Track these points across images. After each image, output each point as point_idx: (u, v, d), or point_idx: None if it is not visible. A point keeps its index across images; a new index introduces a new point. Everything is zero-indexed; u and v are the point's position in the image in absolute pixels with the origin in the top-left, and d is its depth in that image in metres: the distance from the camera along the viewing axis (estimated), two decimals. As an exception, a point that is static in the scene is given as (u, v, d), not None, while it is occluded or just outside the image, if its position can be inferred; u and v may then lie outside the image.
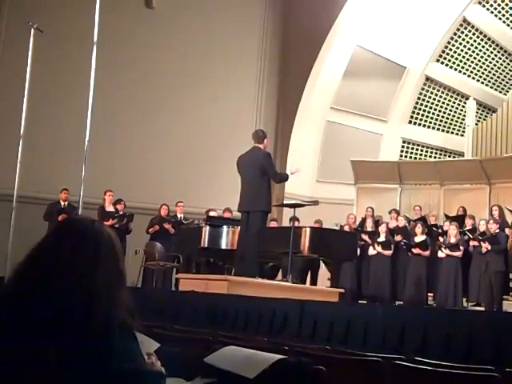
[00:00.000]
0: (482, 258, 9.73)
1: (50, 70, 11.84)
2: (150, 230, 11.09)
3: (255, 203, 7.48)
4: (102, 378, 1.55)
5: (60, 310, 1.55)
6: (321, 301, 6.57)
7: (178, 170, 12.91)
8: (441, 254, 10.06)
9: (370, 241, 11.00)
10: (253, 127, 13.20)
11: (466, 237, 10.12)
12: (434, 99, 14.93)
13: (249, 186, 7.56)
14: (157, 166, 12.79)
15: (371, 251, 10.89)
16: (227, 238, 9.02)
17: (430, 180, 13.29)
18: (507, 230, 10.07)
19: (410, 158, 14.86)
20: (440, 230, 10.70)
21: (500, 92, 14.82)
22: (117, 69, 12.41)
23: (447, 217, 11.42)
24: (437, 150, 14.93)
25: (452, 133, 14.97)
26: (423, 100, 14.94)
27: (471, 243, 9.98)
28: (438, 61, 14.76)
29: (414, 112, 14.95)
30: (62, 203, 10.85)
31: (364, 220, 11.66)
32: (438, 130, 14.98)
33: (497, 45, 14.58)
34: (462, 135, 14.47)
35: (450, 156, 14.76)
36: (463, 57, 14.70)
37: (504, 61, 14.69)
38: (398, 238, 10.83)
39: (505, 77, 14.79)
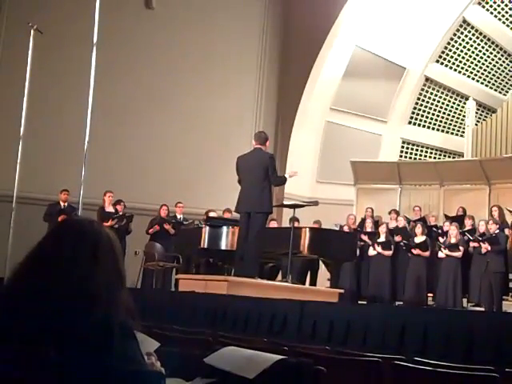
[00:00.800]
0: (482, 259, 9.73)
1: (50, 70, 11.85)
2: (150, 230, 11.09)
3: (258, 204, 7.48)
4: (102, 378, 1.55)
5: (60, 311, 1.55)
6: (320, 301, 6.57)
7: (178, 171, 12.91)
8: (441, 255, 10.06)
9: (369, 241, 11.00)
10: (253, 127, 13.23)
11: (466, 237, 10.11)
12: (434, 100, 14.93)
13: (251, 187, 7.54)
14: (157, 166, 12.79)
15: (371, 252, 10.89)
16: (227, 239, 9.01)
17: (429, 180, 13.29)
18: (507, 231, 10.06)
19: (410, 158, 14.86)
20: (440, 231, 10.70)
21: (500, 92, 14.83)
22: (116, 69, 12.42)
23: (447, 217, 11.41)
24: (436, 150, 14.94)
25: (452, 133, 14.97)
26: (423, 100, 14.94)
27: (471, 244, 9.97)
28: (437, 61, 14.76)
29: (413, 112, 14.95)
30: (62, 204, 10.84)
31: (364, 220, 11.66)
32: (438, 130, 14.98)
33: (496, 45, 14.58)
34: (461, 136, 14.47)
35: (449, 156, 14.76)
36: (463, 57, 14.70)
37: (504, 61, 14.70)
38: (397, 238, 10.82)
39: (504, 77, 14.80)
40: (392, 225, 11.32)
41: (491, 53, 14.65)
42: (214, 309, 5.87)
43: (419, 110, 14.95)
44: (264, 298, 5.97)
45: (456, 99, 14.92)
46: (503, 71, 14.76)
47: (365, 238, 11.09)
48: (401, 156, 14.87)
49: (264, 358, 2.26)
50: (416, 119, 14.98)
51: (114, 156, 12.39)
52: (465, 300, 10.05)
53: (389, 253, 10.75)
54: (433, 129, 14.98)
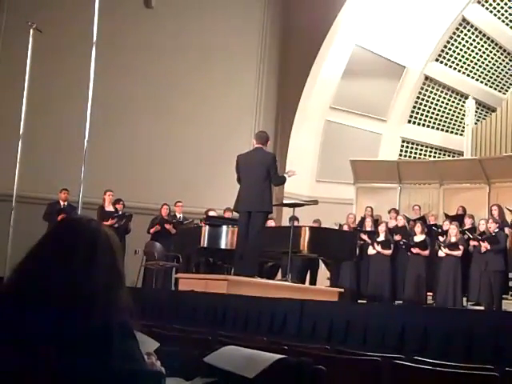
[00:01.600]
0: (482, 258, 9.73)
1: (50, 69, 11.84)
2: (151, 230, 11.09)
3: (259, 204, 7.47)
4: (101, 378, 1.55)
5: (59, 310, 1.55)
6: (320, 300, 6.57)
7: (178, 170, 12.91)
8: (440, 254, 10.06)
9: (369, 240, 11.01)
10: (252, 127, 13.23)
11: (465, 236, 10.11)
12: (434, 98, 14.93)
13: (252, 186, 7.53)
14: (157, 165, 12.79)
15: (371, 251, 10.89)
16: (227, 238, 9.02)
17: (429, 179, 13.28)
18: (507, 230, 10.07)
19: (410, 157, 14.85)
20: (439, 230, 10.70)
21: (499, 91, 14.82)
22: (116, 68, 12.41)
23: (447, 216, 11.41)
24: (436, 149, 14.93)
25: (451, 132, 14.97)
26: (422, 99, 14.94)
27: (471, 243, 9.97)
28: (437, 60, 14.75)
29: (413, 111, 14.95)
30: (62, 203, 10.84)
31: (363, 219, 11.67)
32: (438, 129, 14.98)
33: (496, 44, 14.58)
34: (461, 134, 14.46)
35: (449, 155, 14.76)
36: (462, 56, 14.70)
37: (503, 60, 14.69)
38: (397, 237, 10.82)
39: (504, 76, 14.79)
40: (392, 224, 11.32)
41: (491, 51, 14.64)
42: (214, 308, 5.87)
43: (419, 108, 14.95)
44: (264, 298, 5.97)
45: (456, 98, 14.92)
46: (503, 70, 14.76)
47: (364, 237, 11.09)
48: (400, 155, 14.87)
49: (264, 358, 2.26)
50: (416, 118, 14.97)
51: (113, 155, 12.38)
52: (464, 299, 10.05)
53: (388, 252, 10.75)
54: (432, 128, 14.98)
